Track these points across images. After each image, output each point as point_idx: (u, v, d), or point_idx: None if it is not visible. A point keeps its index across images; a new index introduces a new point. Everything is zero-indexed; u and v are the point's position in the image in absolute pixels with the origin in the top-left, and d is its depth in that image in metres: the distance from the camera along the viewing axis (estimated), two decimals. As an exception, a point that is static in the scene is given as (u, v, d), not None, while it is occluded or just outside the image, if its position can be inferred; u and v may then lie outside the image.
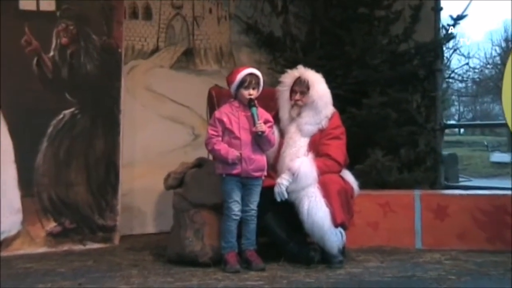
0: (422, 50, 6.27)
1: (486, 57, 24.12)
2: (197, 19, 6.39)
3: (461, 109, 27.37)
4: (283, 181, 4.38)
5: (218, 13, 6.50)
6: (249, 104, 4.34)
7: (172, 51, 6.29)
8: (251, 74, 4.38)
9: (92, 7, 5.28)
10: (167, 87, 6.19)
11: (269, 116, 4.46)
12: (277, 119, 4.59)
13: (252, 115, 4.31)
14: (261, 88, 4.42)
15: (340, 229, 4.36)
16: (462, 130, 23.86)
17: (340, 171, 4.59)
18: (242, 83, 4.36)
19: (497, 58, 23.58)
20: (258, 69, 4.53)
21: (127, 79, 5.74)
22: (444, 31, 6.33)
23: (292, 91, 4.61)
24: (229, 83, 4.42)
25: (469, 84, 25.02)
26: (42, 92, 5.08)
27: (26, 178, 4.99)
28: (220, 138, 4.33)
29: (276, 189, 4.38)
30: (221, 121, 4.35)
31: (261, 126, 4.28)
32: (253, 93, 4.36)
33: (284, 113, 4.61)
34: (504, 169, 16.69)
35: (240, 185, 4.33)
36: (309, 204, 4.31)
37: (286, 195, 4.37)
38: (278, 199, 4.38)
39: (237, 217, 4.33)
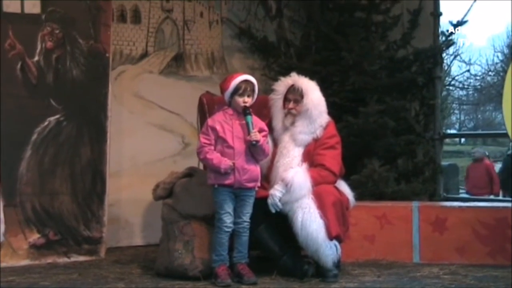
0: (421, 57, 6.33)
1: (488, 64, 24.21)
2: (188, 23, 6.43)
3: (462, 117, 27.46)
4: (276, 192, 4.42)
5: (210, 17, 6.54)
6: (243, 112, 4.37)
7: (161, 56, 6.33)
8: (246, 81, 4.42)
9: (78, 9, 5.30)
10: (156, 94, 6.23)
11: (263, 125, 4.50)
12: (270, 128, 4.63)
13: (247, 123, 4.33)
14: (256, 95, 4.46)
15: (335, 242, 4.40)
16: (463, 139, 23.92)
17: (335, 181, 4.63)
18: (236, 90, 4.39)
19: (499, 64, 23.67)
20: (251, 75, 4.56)
21: (115, 85, 5.77)
22: (443, 37, 6.42)
23: (286, 99, 4.65)
24: (223, 90, 4.46)
25: (471, 92, 25.13)
26: (26, 98, 5.10)
27: (8, 187, 5.01)
28: (212, 147, 4.36)
29: (269, 201, 4.42)
30: (214, 129, 4.38)
31: (256, 135, 4.30)
32: (248, 100, 4.39)
33: (277, 122, 4.65)
34: (506, 180, 16.72)
35: (233, 196, 4.36)
36: (303, 216, 4.34)
37: (280, 206, 4.41)
38: (273, 211, 4.42)
39: (229, 229, 4.35)
